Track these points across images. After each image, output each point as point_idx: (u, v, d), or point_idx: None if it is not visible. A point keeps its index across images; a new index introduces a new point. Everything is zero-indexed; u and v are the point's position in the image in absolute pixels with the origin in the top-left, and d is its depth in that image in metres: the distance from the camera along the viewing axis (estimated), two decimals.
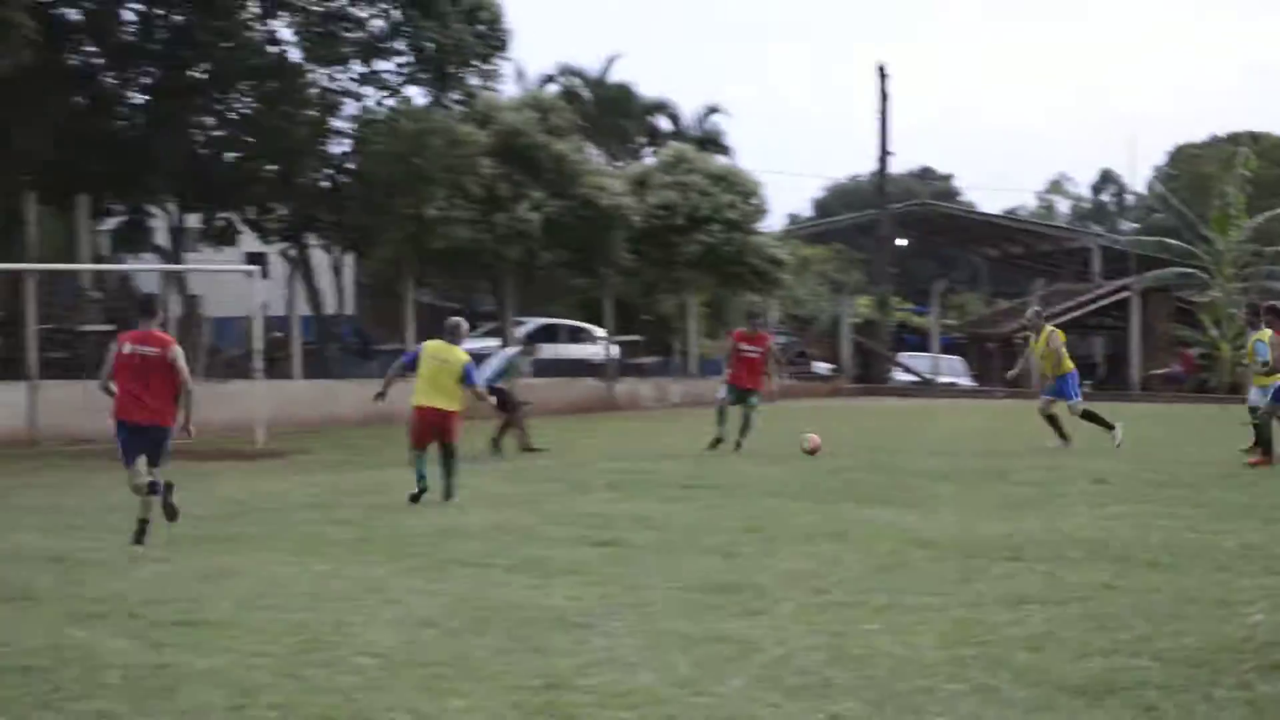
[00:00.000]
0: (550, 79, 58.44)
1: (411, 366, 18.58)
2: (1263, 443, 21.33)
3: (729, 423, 25.24)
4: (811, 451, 23.05)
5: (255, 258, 39.49)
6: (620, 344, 46.42)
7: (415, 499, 17.69)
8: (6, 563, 13.10)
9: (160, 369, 14.74)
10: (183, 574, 12.35)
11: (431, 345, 18.61)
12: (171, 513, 14.70)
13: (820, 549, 13.47)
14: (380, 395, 19.23)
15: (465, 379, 18.18)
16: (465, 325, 19.38)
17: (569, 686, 8.32)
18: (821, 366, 56.05)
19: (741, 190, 47.19)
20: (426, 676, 8.58)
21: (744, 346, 25.85)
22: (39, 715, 7.84)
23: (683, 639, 9.54)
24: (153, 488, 14.57)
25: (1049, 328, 25.69)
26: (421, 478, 17.84)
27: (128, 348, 14.81)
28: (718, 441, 24.99)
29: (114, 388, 14.90)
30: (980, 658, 8.93)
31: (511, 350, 26.35)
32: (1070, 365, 25.04)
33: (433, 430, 18.28)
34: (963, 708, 7.85)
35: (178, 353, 14.98)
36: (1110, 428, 24.44)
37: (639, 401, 44.21)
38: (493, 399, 23.89)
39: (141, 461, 14.74)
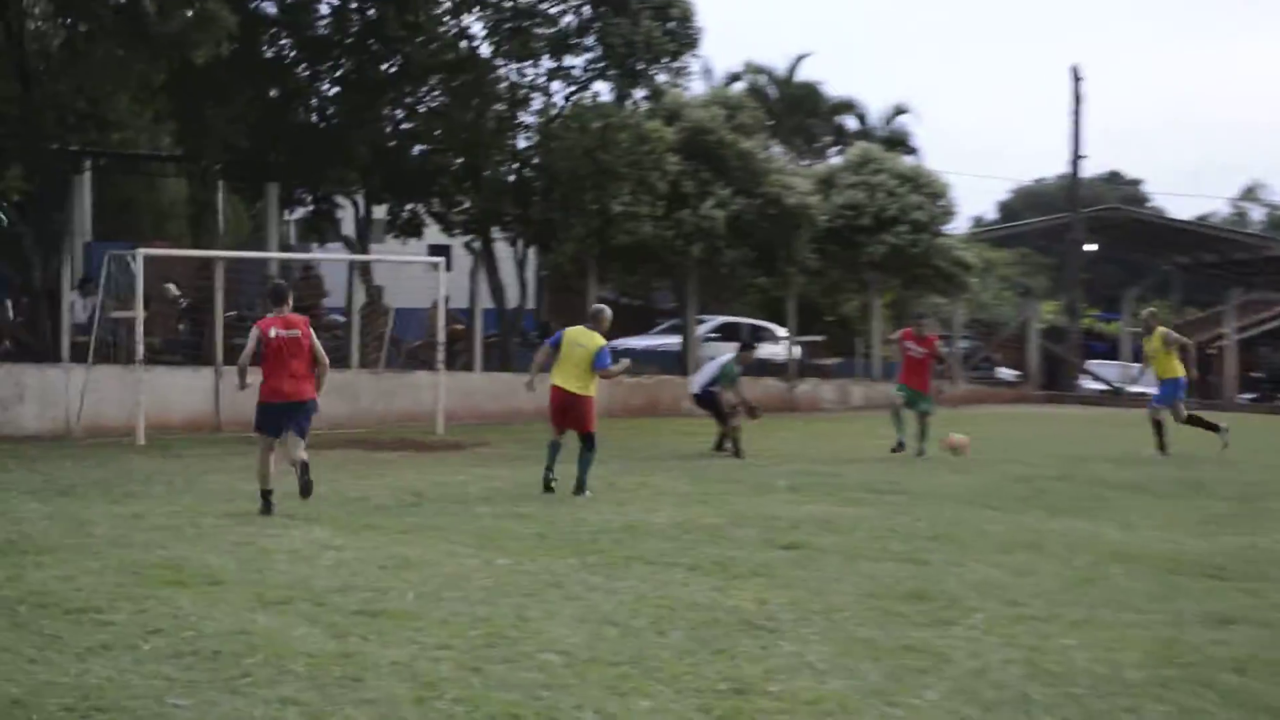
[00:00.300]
0: (737, 77, 58.47)
1: (555, 349, 18.82)
2: None
3: (909, 426, 25.06)
4: (955, 449, 23.16)
5: (439, 250, 39.83)
6: (802, 344, 46.19)
7: (547, 488, 18.08)
8: (194, 547, 13.24)
9: (303, 349, 16.39)
10: (364, 563, 12.40)
11: (572, 330, 18.89)
12: (307, 490, 16.11)
13: (1013, 559, 13.22)
14: (530, 385, 19.31)
15: (596, 362, 18.35)
16: (608, 312, 19.51)
17: (757, 691, 8.20)
18: (1006, 372, 55.27)
19: (929, 191, 46.75)
20: (611, 676, 8.50)
21: (909, 345, 25.72)
22: (227, 701, 7.85)
23: (872, 647, 9.38)
24: (304, 465, 16.18)
25: (1161, 329, 25.75)
26: (549, 468, 18.18)
27: (274, 332, 16.39)
28: (900, 445, 24.76)
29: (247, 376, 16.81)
30: (1184, 678, 8.69)
31: (727, 356, 26.17)
32: (1179, 370, 25.13)
33: (564, 413, 18.59)
34: None
35: (313, 333, 16.91)
36: (1216, 429, 24.88)
37: (819, 403, 43.94)
38: (733, 400, 24.22)
39: (292, 436, 16.19)
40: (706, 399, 25.58)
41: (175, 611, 10.12)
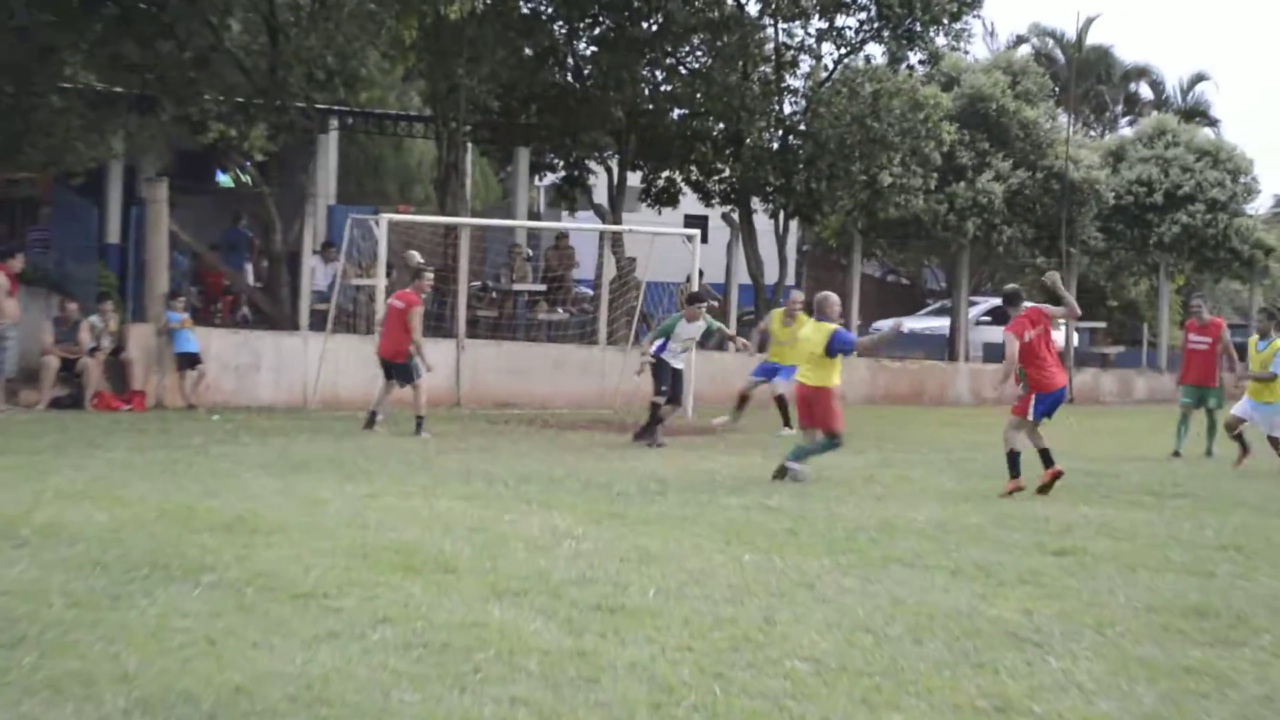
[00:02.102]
0: (1022, 40, 57.83)
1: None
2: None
3: (1192, 429, 24.93)
4: None
5: (695, 220, 39.86)
6: (1082, 331, 45.53)
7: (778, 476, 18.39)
8: (429, 530, 13.41)
9: (402, 320, 23.09)
10: (604, 554, 12.42)
11: (777, 312, 19.19)
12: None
13: None
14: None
15: (834, 347, 18.47)
16: (834, 300, 19.34)
17: (1020, 710, 8.06)
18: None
19: (1230, 167, 45.84)
20: (863, 687, 8.40)
21: (1192, 338, 25.18)
22: (456, 698, 7.89)
23: (1149, 667, 9.16)
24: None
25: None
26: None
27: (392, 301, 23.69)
28: (1177, 454, 24.52)
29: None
30: None
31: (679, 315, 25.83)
32: None
33: (808, 407, 18.90)
34: None
35: (415, 312, 23.42)
36: None
37: (1099, 395, 43.33)
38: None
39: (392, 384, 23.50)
40: (656, 368, 24.98)
41: (405, 599, 10.25)
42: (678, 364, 24.29)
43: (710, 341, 31.99)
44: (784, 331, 25.58)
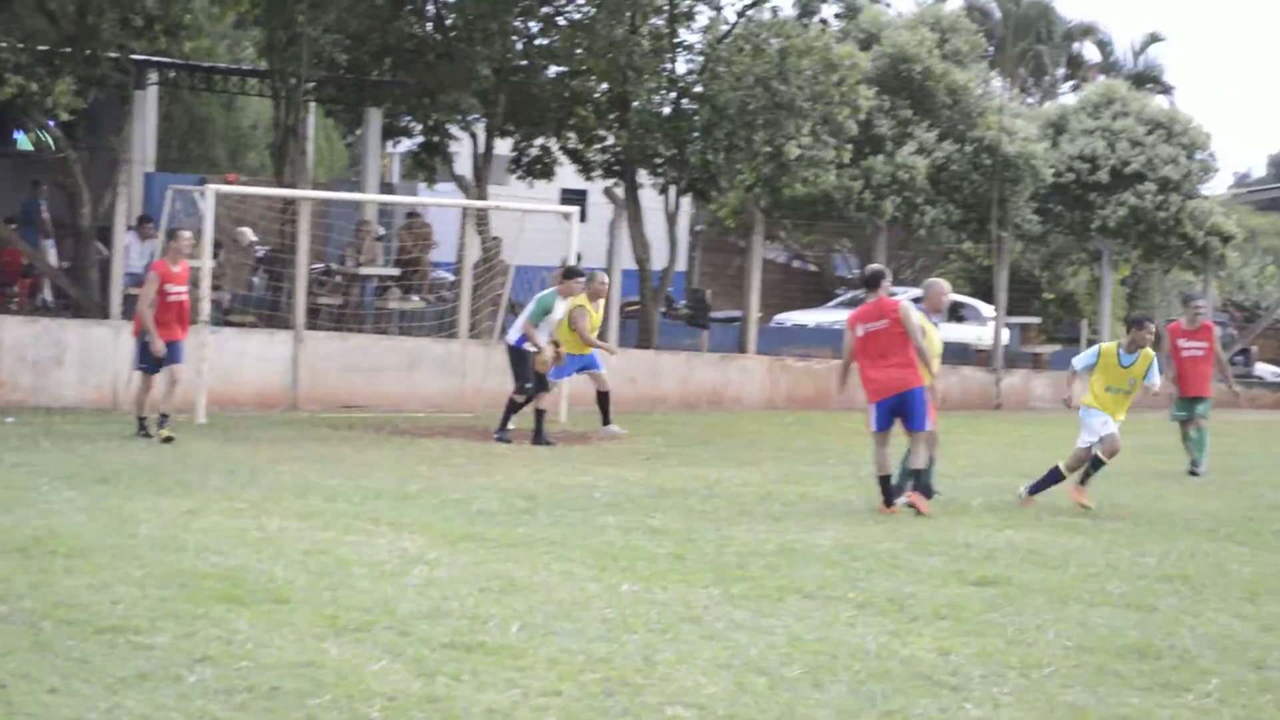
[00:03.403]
0: None
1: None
2: None
3: (1196, 448, 25.19)
4: None
5: (574, 196, 39.96)
6: (1012, 326, 45.96)
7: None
8: (258, 554, 13.39)
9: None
10: (461, 583, 12.47)
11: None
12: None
13: (1262, 609, 13.09)
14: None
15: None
16: (941, 286, 20.25)
17: None
18: (1267, 370, 54.63)
19: (1184, 141, 46.44)
20: None
21: (1184, 343, 25.39)
22: None
23: (1080, 715, 9.33)
24: None
25: None
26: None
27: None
28: (1194, 464, 24.91)
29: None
30: None
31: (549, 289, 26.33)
32: None
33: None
34: None
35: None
36: None
37: (1030, 400, 43.73)
38: None
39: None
40: (516, 356, 25.54)
41: (229, 635, 10.23)
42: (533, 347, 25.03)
43: None
44: (596, 317, 26.00)
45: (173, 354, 22.71)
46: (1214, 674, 10.56)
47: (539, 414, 25.07)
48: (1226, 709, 9.69)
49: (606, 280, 27.31)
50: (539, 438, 24.74)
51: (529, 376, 25.11)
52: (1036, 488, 20.09)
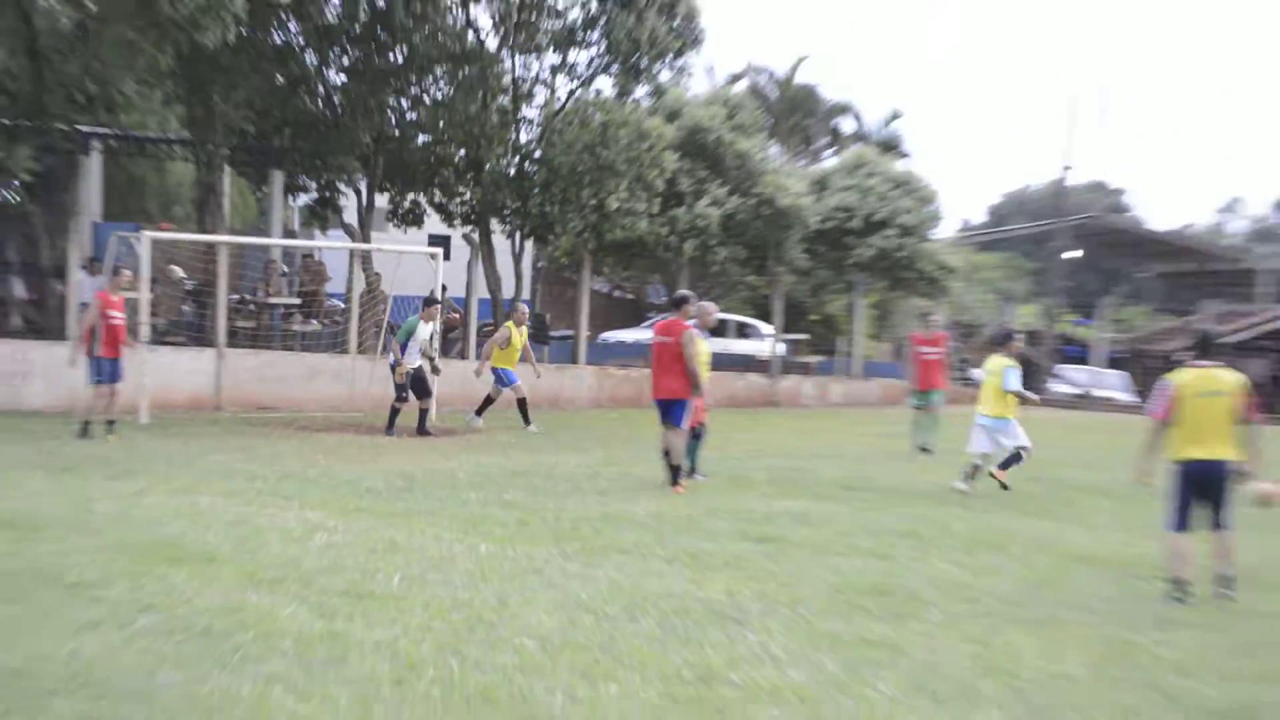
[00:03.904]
0: (738, 77, 58.51)
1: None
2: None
3: (928, 431, 25.65)
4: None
5: (438, 240, 39.89)
6: (786, 341, 46.31)
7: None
8: (192, 524, 13.35)
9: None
10: (353, 545, 12.51)
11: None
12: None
13: (974, 558, 13.39)
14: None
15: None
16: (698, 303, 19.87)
17: (720, 680, 8.36)
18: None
19: (919, 195, 46.96)
20: (583, 661, 8.66)
21: (923, 349, 25.95)
22: (217, 676, 8.00)
23: (833, 639, 9.55)
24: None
25: None
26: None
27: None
28: (923, 449, 25.36)
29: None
30: (1127, 679, 8.86)
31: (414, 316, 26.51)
32: None
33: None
34: None
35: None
36: None
37: (800, 399, 44.10)
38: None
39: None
40: (392, 370, 25.51)
41: (169, 588, 10.26)
42: (414, 363, 25.10)
43: (453, 350, 32.20)
44: (520, 338, 26.16)
45: (113, 370, 22.52)
46: (935, 606, 10.85)
47: (422, 412, 25.26)
48: (941, 632, 9.97)
49: (525, 309, 27.37)
50: (421, 429, 25.03)
51: (406, 385, 25.23)
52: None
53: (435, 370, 25.95)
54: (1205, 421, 11.77)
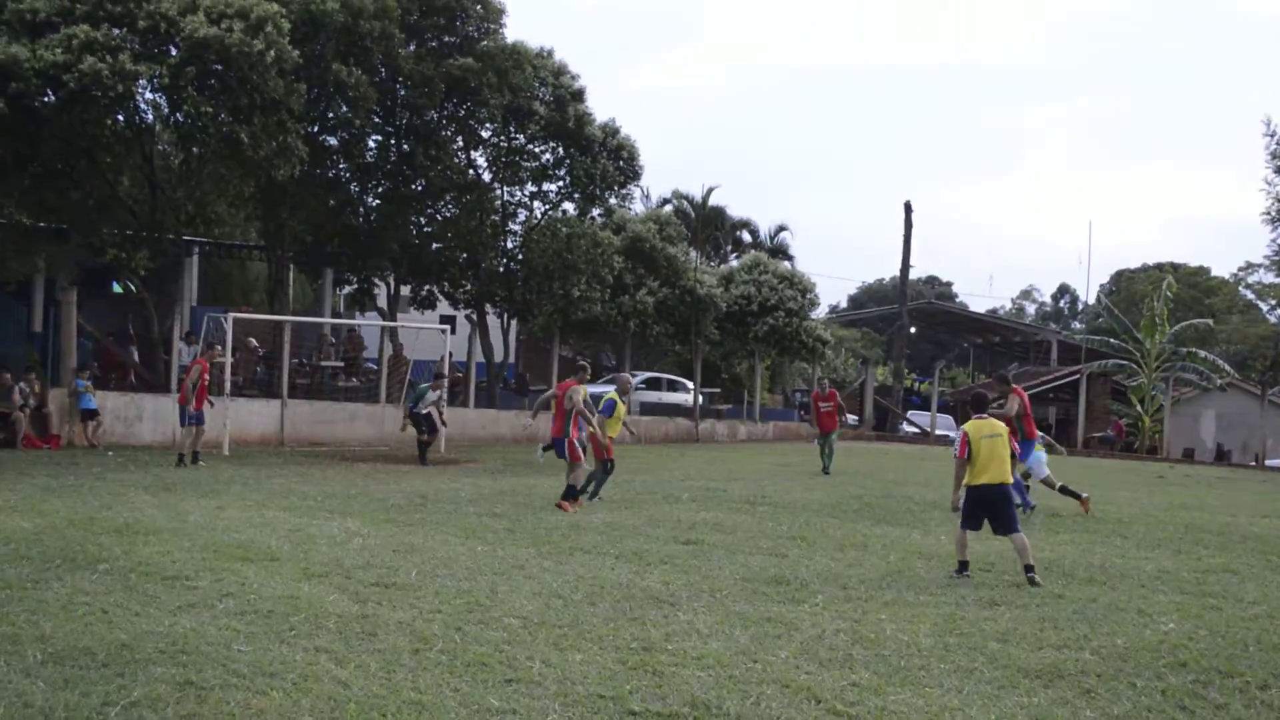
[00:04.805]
0: (666, 201, 58.61)
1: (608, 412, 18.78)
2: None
3: (829, 459, 26.33)
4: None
5: (447, 319, 39.71)
6: (704, 394, 46.29)
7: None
8: (260, 532, 13.14)
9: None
10: (382, 547, 12.33)
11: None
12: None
13: (846, 555, 13.26)
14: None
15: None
16: (627, 378, 20.25)
17: (659, 649, 8.20)
18: (850, 418, 55.49)
19: (800, 287, 46.95)
20: (555, 636, 8.49)
21: (821, 404, 26.98)
22: (277, 648, 7.81)
23: (743, 618, 9.40)
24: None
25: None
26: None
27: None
28: (826, 471, 25.80)
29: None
30: (962, 645, 8.74)
31: (426, 384, 26.36)
32: None
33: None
34: (948, 683, 7.67)
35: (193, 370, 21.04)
36: None
37: (715, 437, 43.98)
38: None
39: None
40: (417, 417, 25.61)
41: (243, 580, 10.06)
42: (424, 411, 25.44)
43: (456, 400, 31.96)
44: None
45: (201, 417, 22.40)
46: (820, 592, 10.71)
47: (423, 445, 25.17)
48: (824, 611, 9.83)
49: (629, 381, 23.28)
50: (423, 460, 24.84)
51: (424, 427, 25.03)
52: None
53: (443, 424, 25.77)
54: (990, 456, 12.03)
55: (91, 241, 26.82)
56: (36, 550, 11.12)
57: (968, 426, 12.32)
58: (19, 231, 27.21)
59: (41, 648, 7.52)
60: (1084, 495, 19.01)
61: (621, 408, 18.81)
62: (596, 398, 19.48)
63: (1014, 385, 19.38)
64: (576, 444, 17.61)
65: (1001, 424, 12.71)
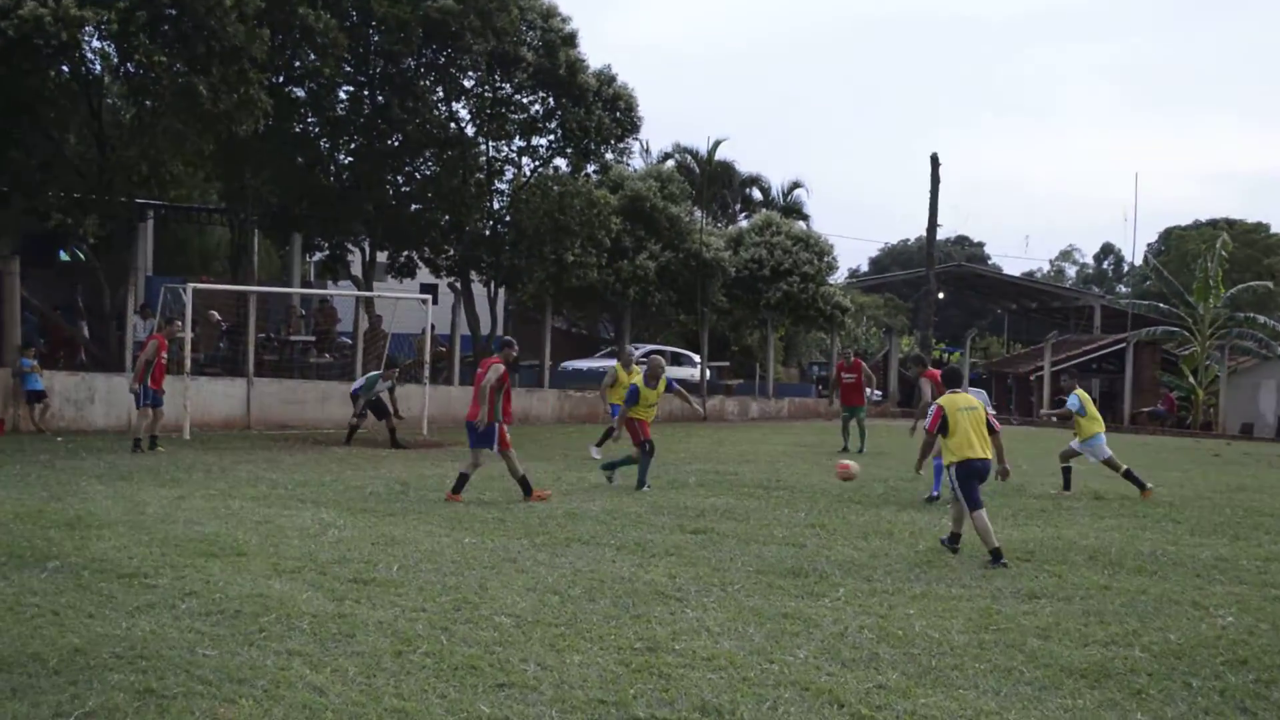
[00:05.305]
0: (668, 156, 58.37)
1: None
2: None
3: (851, 434, 26.97)
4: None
5: (428, 288, 39.72)
6: (712, 368, 46.27)
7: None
8: (225, 524, 13.15)
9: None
10: (359, 540, 12.33)
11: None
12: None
13: (870, 544, 13.27)
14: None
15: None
16: (635, 353, 19.66)
17: (665, 649, 8.20)
18: (874, 393, 55.45)
19: (816, 250, 46.98)
20: (551, 635, 8.49)
21: (844, 375, 27.49)
22: (245, 652, 7.80)
23: (757, 614, 9.40)
24: None
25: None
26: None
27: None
28: (846, 449, 26.20)
29: None
30: (999, 642, 8.74)
31: (375, 373, 26.30)
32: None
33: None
34: (984, 684, 7.67)
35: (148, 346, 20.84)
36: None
37: (725, 415, 44.01)
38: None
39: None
40: (353, 398, 25.90)
41: (207, 578, 10.07)
42: (373, 399, 25.62)
43: (440, 377, 31.93)
44: (625, 378, 23.60)
45: (158, 398, 22.41)
46: (841, 585, 10.72)
47: (390, 430, 25.31)
48: (848, 606, 9.83)
49: (632, 352, 23.54)
50: (394, 443, 24.91)
51: (359, 412, 25.61)
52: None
53: (398, 415, 25.71)
54: (970, 430, 12.69)
55: (35, 205, 26.76)
56: None
57: (943, 400, 13.06)
58: None
59: None
60: (1148, 485, 19.07)
61: (647, 391, 18.63)
62: (599, 374, 19.49)
63: (929, 368, 20.64)
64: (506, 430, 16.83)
65: (976, 399, 13.46)
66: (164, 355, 22.75)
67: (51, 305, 31.43)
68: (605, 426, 24.54)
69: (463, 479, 16.46)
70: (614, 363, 23.32)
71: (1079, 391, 19.61)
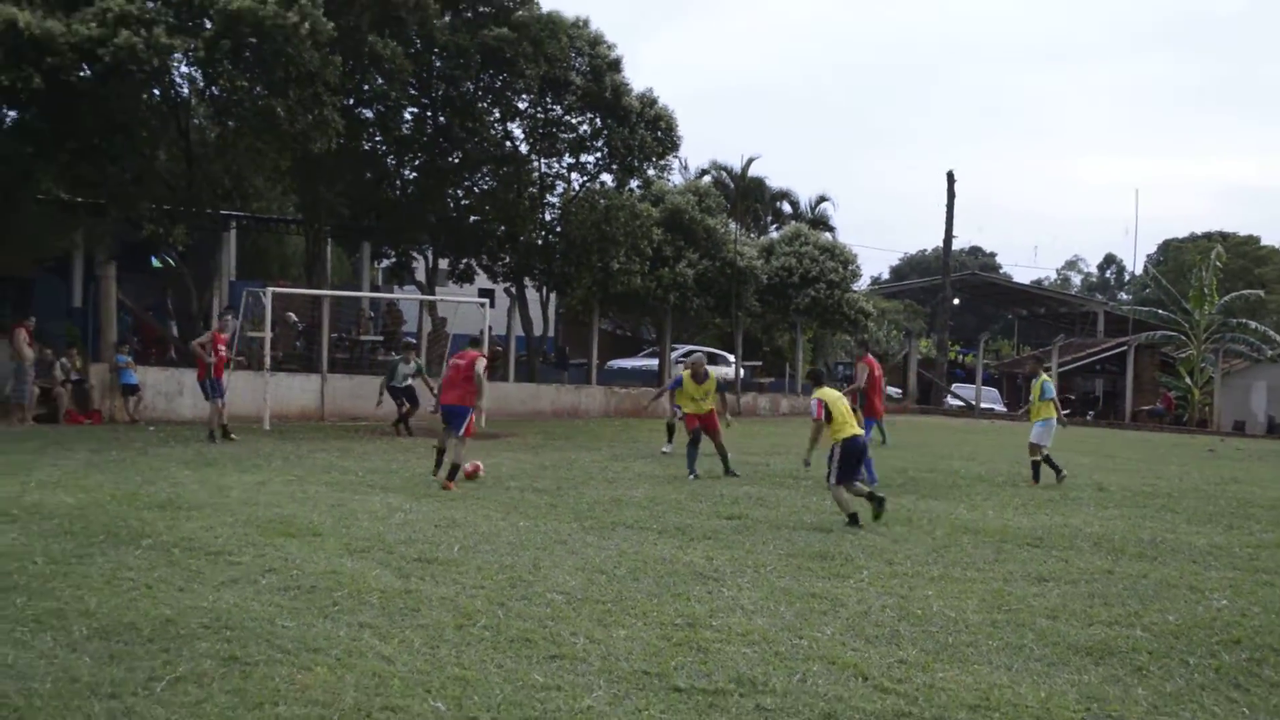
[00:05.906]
0: (705, 172, 58.41)
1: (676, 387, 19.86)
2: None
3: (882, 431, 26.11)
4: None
5: (486, 292, 39.78)
6: (746, 367, 46.20)
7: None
8: (302, 507, 13.21)
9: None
10: (423, 522, 12.36)
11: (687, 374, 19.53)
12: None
13: (891, 530, 13.21)
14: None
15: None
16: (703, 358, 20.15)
17: (703, 625, 8.19)
18: (893, 391, 55.28)
19: (841, 259, 46.87)
20: (599, 611, 8.50)
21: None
22: (320, 623, 7.84)
23: (788, 594, 9.38)
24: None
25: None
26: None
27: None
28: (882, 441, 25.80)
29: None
30: (1010, 621, 8.70)
31: (398, 357, 26.23)
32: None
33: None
34: (997, 660, 7.63)
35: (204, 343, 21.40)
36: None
37: (757, 410, 43.94)
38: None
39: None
40: (395, 391, 25.67)
41: (285, 556, 10.12)
42: (403, 385, 25.62)
43: (495, 376, 31.97)
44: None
45: (219, 386, 22.46)
46: (865, 568, 10.68)
47: (404, 416, 25.48)
48: (871, 587, 9.80)
49: (702, 358, 20.51)
50: (406, 429, 25.33)
51: (402, 400, 25.59)
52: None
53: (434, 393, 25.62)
54: (847, 412, 14.02)
55: (129, 216, 26.95)
56: (80, 526, 11.22)
57: (821, 393, 14.07)
58: (57, 207, 27.44)
59: (87, 623, 7.60)
60: (1063, 472, 19.43)
61: (690, 384, 18.88)
62: (642, 372, 19.63)
63: (867, 354, 21.34)
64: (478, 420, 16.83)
65: (837, 391, 14.69)
66: (220, 348, 22.76)
67: (144, 307, 31.72)
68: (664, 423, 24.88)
69: (454, 469, 16.13)
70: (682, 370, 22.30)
71: (1048, 379, 19.80)
